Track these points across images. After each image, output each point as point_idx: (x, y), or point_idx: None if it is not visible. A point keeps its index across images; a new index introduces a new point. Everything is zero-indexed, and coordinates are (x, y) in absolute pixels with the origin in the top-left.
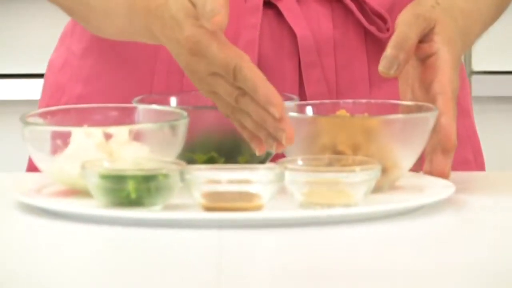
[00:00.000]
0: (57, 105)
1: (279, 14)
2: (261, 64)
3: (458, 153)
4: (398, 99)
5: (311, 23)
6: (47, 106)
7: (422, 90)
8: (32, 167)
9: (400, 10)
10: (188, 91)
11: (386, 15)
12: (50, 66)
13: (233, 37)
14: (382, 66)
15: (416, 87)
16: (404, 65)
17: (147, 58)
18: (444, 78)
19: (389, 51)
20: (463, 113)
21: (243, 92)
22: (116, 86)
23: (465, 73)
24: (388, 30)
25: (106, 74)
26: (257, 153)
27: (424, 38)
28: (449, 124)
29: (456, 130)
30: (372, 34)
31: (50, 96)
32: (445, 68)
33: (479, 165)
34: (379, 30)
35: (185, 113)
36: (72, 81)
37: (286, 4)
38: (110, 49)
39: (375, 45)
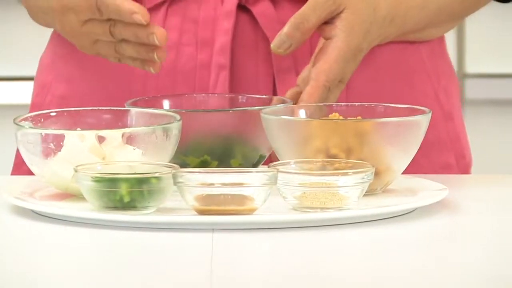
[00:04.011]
0: (43, 103)
1: (253, 18)
2: (235, 68)
3: (438, 157)
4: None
5: None
6: (34, 103)
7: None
8: (17, 171)
9: None
10: (181, 94)
11: None
12: (39, 64)
13: (208, 42)
14: (273, 44)
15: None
16: (297, 45)
17: None
18: (324, 66)
19: (285, 29)
20: (446, 117)
21: (113, 22)
22: (96, 87)
23: (455, 76)
24: None
25: (87, 75)
26: (154, 71)
27: (330, 20)
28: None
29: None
30: None
31: (37, 93)
32: (331, 55)
33: (462, 170)
34: None
35: (178, 116)
36: (56, 81)
37: (261, 8)
38: None
39: None
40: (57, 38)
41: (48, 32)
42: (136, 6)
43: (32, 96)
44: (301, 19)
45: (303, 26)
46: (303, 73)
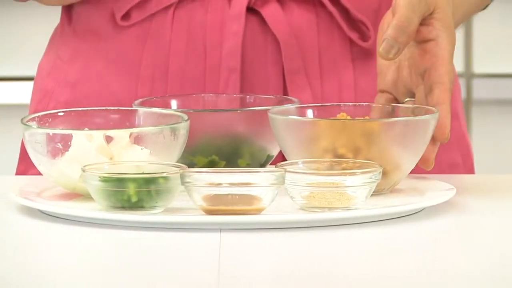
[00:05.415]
0: (46, 109)
1: (262, 20)
2: (245, 71)
3: (445, 156)
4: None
5: (295, 29)
6: (35, 111)
7: (413, 73)
8: (21, 171)
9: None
10: (189, 94)
11: (368, 23)
12: (39, 70)
13: (217, 44)
14: (382, 48)
15: (405, 66)
16: (403, 48)
17: (132, 63)
18: (443, 68)
19: (390, 32)
20: (452, 116)
21: None
22: (102, 92)
23: (456, 75)
24: (370, 37)
25: (92, 79)
26: None
27: (423, 21)
28: (445, 115)
29: (450, 122)
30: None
31: (38, 101)
32: (444, 57)
33: (468, 168)
34: (364, 37)
35: (185, 116)
36: (59, 87)
37: (269, 10)
38: (95, 54)
39: (360, 52)
40: (58, 42)
41: (48, 32)
42: None
43: (32, 102)
44: (406, 22)
45: (408, 28)
46: (384, 83)
